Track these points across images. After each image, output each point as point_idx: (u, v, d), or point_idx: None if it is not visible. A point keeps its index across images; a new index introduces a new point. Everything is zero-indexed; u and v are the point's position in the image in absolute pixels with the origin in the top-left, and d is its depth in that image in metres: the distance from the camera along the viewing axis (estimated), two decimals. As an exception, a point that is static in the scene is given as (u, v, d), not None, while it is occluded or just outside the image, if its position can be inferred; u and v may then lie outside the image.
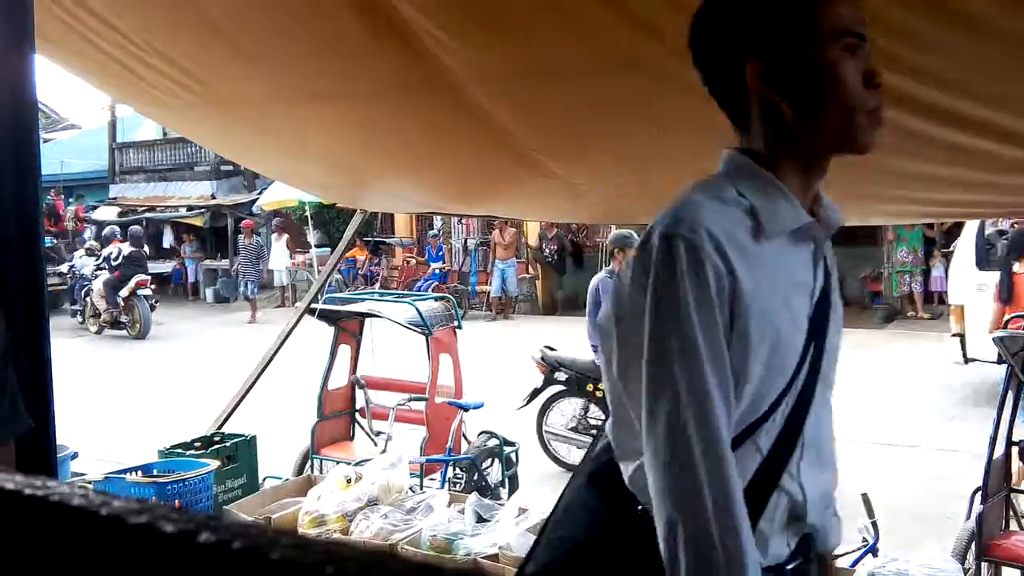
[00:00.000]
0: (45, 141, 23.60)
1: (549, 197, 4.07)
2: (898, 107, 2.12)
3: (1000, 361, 4.04)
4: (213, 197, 21.22)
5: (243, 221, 18.47)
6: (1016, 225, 8.66)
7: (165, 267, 21.83)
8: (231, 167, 20.67)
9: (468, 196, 4.60)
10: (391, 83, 2.86)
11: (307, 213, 16.86)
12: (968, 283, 8.66)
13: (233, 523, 0.26)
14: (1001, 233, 9.02)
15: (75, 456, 4.61)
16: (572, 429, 7.12)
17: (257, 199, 18.74)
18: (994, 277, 7.37)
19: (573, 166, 3.39)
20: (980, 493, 3.93)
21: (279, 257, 18.83)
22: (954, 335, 8.82)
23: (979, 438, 4.40)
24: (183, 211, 21.35)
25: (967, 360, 8.64)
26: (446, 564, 0.27)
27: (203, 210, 20.97)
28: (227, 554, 0.24)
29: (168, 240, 22.01)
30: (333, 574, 0.23)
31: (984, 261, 8.58)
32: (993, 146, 2.29)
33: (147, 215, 21.82)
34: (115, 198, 22.99)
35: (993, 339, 4.11)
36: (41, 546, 0.29)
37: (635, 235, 6.59)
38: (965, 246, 8.93)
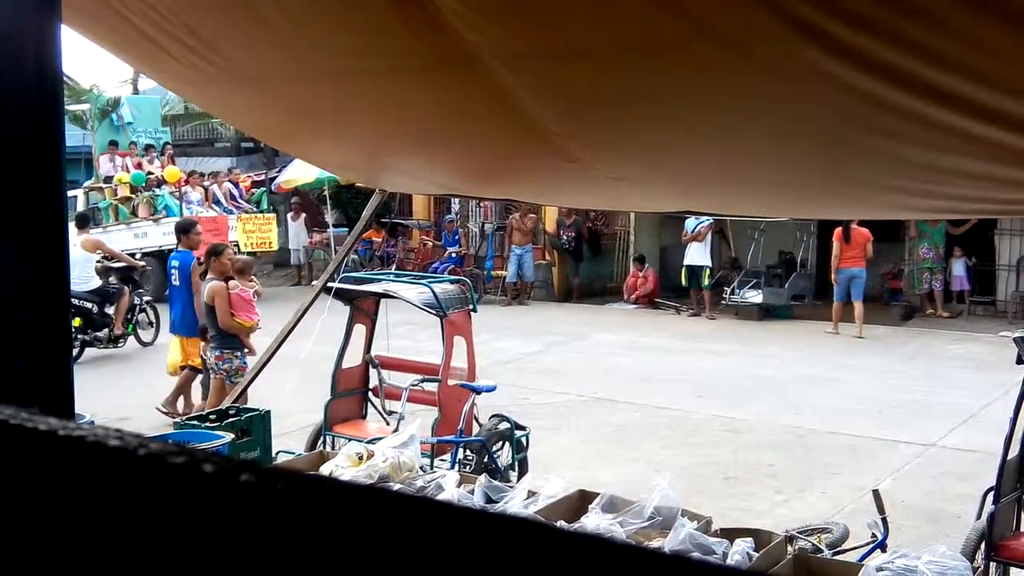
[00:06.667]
0: (67, 112, 23.68)
1: (571, 182, 4.06)
2: (937, 103, 2.10)
3: (1020, 361, 4.01)
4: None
5: None
6: None
7: None
8: (251, 144, 20.72)
9: (489, 179, 4.60)
10: (414, 61, 2.85)
11: (326, 192, 16.91)
12: None
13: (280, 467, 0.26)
14: None
15: (91, 424, 4.67)
16: None
17: (276, 176, 18.79)
18: None
19: (597, 151, 3.38)
20: (992, 493, 3.91)
21: (295, 236, 18.93)
22: None
23: (994, 439, 4.37)
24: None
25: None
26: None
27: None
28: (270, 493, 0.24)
29: (187, 215, 22.25)
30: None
31: None
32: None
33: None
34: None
35: (1014, 339, 4.08)
36: (75, 482, 0.30)
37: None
38: None
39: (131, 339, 11.02)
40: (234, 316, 6.51)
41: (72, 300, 9.32)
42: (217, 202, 16.35)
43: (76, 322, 10.08)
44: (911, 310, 13.76)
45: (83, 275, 10.10)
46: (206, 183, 16.57)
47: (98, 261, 10.91)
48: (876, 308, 14.20)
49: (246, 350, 6.61)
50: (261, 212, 16.88)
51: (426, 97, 3.21)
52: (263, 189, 17.36)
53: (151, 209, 15.64)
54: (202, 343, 7.03)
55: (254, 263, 8.02)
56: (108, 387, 8.83)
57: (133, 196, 15.96)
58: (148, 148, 18.35)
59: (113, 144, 17.88)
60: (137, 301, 11.05)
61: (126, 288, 10.81)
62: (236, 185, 17.28)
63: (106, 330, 10.52)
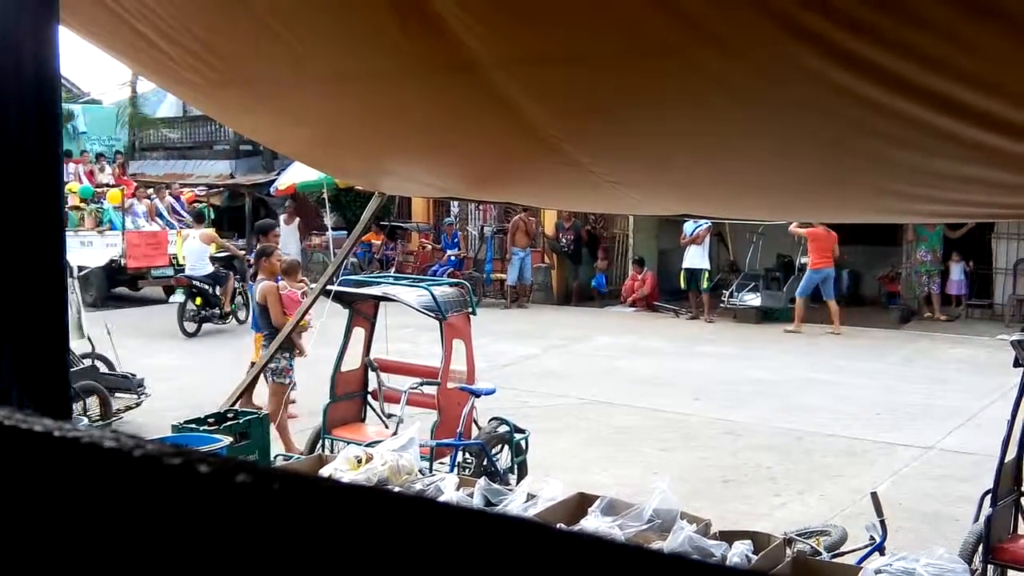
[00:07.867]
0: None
1: (570, 185, 4.06)
2: (936, 108, 2.10)
3: (1017, 364, 4.01)
4: (232, 176, 21.29)
5: None
6: None
7: None
8: (250, 147, 20.71)
9: (488, 182, 4.60)
10: (414, 65, 2.85)
11: (324, 195, 16.90)
12: None
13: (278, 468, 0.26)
14: None
15: (87, 426, 4.66)
16: None
17: (275, 179, 18.79)
18: None
19: (596, 155, 3.38)
20: (990, 496, 3.91)
21: (289, 241, 18.92)
22: None
23: (992, 441, 4.37)
24: (201, 189, 21.47)
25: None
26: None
27: (221, 189, 21.06)
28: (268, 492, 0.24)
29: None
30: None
31: None
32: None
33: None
34: (134, 174, 23.13)
35: (1011, 342, 4.08)
36: (70, 483, 0.30)
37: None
38: None
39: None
40: (287, 315, 6.60)
41: (194, 283, 12.11)
42: (160, 216, 17.60)
43: (197, 301, 12.11)
44: (908, 313, 13.76)
45: (200, 262, 12.27)
46: (151, 196, 17.62)
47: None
48: (873, 311, 14.20)
49: (296, 351, 6.67)
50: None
51: (426, 101, 3.21)
52: (204, 205, 18.56)
53: (96, 221, 16.90)
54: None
55: (299, 264, 8.37)
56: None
57: (82, 206, 17.14)
58: (99, 156, 19.55)
59: (67, 154, 19.02)
60: (237, 285, 12.59)
61: (231, 273, 12.61)
62: (178, 199, 18.20)
63: (218, 308, 12.27)
